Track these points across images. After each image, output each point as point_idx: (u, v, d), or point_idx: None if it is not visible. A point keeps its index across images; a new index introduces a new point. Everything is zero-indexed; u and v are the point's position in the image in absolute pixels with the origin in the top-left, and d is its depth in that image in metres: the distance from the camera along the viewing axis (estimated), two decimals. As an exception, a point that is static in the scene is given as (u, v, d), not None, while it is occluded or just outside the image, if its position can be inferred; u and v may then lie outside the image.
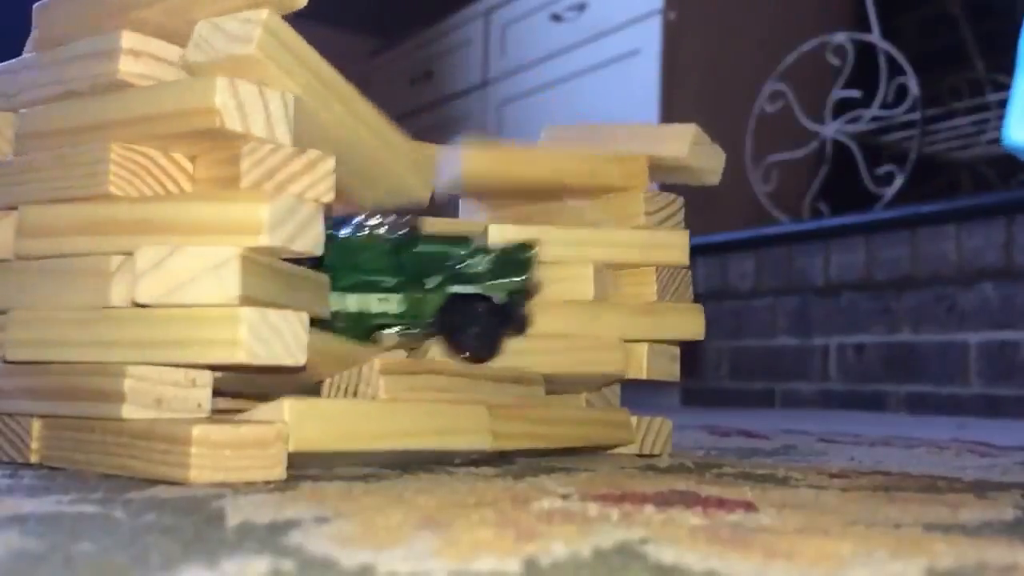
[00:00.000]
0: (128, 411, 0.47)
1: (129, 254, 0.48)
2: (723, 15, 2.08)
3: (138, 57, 0.50)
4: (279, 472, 0.48)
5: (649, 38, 2.00)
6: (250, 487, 0.46)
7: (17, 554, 0.30)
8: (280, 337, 0.47)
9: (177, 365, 0.48)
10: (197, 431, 0.45)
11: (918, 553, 0.32)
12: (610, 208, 0.72)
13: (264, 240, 0.46)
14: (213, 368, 0.49)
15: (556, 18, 2.23)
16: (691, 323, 0.72)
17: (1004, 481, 0.58)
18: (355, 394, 0.55)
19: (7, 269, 0.53)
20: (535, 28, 2.31)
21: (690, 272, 0.74)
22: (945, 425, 1.27)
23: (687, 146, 0.70)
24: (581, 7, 2.17)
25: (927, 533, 0.37)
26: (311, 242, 0.49)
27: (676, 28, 1.99)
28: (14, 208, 0.53)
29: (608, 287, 0.70)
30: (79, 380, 0.49)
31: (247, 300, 0.46)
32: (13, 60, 0.55)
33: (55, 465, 0.53)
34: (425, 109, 2.66)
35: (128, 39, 0.49)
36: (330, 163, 0.50)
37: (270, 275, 0.48)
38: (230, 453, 0.46)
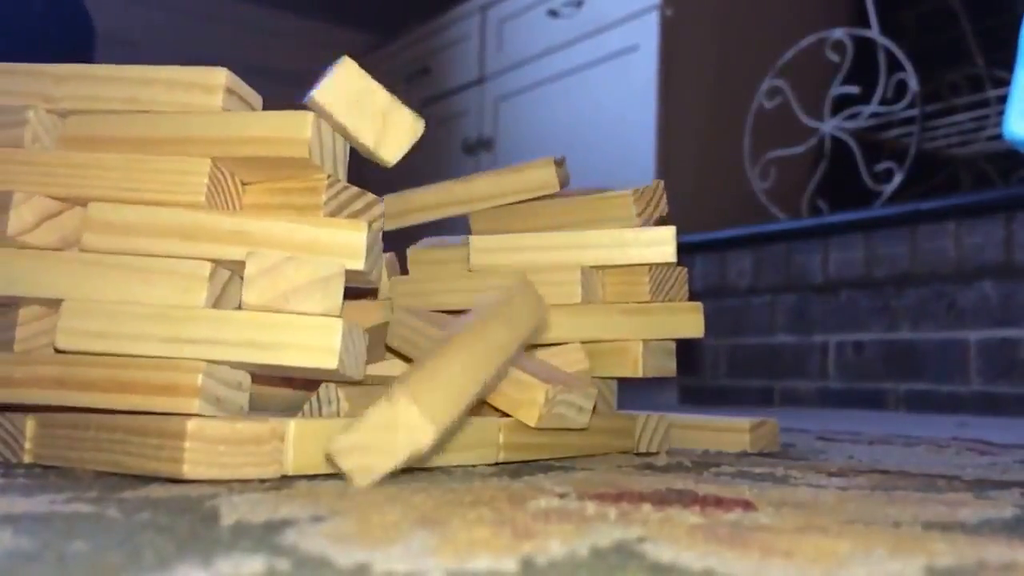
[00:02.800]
0: (200, 406, 0.47)
1: (217, 261, 0.51)
2: (721, 11, 2.08)
3: (231, 95, 0.54)
4: (275, 470, 0.47)
5: (647, 34, 2.00)
6: (245, 485, 0.46)
7: (10, 553, 0.29)
8: (353, 352, 0.50)
9: (256, 366, 0.49)
10: (192, 425, 0.45)
11: (917, 552, 0.32)
12: (597, 208, 0.72)
13: (359, 264, 0.50)
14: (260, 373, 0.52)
15: (553, 14, 2.23)
16: (688, 322, 0.72)
17: (1004, 480, 0.58)
18: (321, 413, 0.55)
19: (58, 259, 0.53)
20: (532, 24, 2.31)
21: (686, 270, 0.74)
22: (945, 423, 1.27)
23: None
24: (578, 3, 2.17)
25: (926, 532, 0.37)
26: (379, 274, 0.54)
27: (674, 24, 1.99)
28: (57, 198, 0.54)
29: (596, 289, 0.70)
30: (140, 374, 0.49)
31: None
32: (57, 65, 0.57)
33: (49, 464, 0.52)
34: (422, 105, 2.65)
35: (228, 78, 0.54)
36: (381, 207, 0.56)
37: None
38: (224, 449, 0.46)
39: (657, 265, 0.71)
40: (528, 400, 0.58)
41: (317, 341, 0.48)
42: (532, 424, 0.58)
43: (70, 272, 0.52)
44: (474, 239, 0.70)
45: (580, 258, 0.69)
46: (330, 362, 0.48)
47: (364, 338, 0.51)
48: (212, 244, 0.51)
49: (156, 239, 0.52)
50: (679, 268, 0.73)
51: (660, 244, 0.70)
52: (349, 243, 0.51)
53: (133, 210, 0.52)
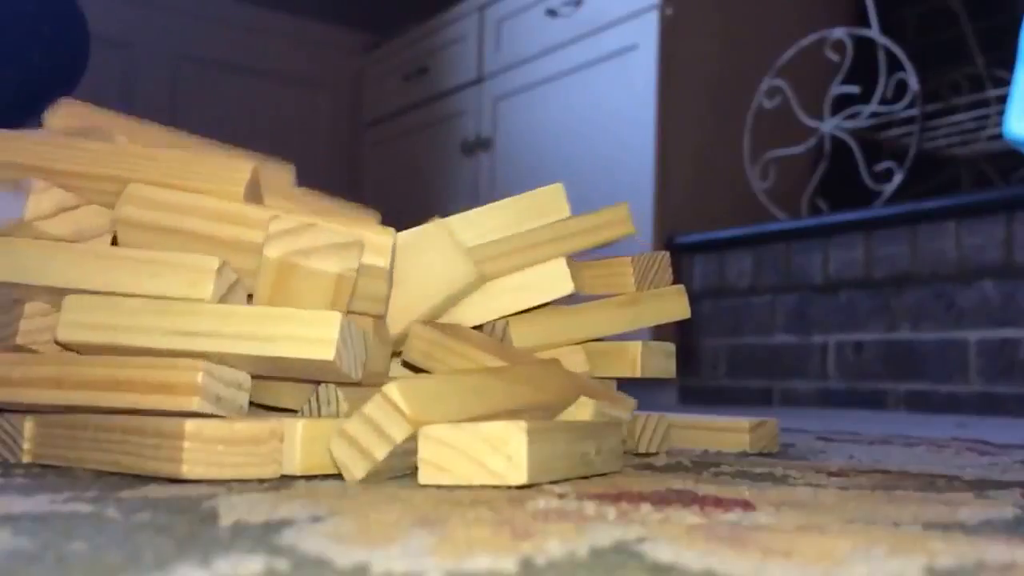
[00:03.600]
0: (199, 404, 0.47)
1: (245, 244, 0.53)
2: (721, 10, 2.08)
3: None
4: (274, 470, 0.47)
5: (646, 33, 2.00)
6: (244, 485, 0.45)
7: (10, 553, 0.29)
8: (352, 349, 0.50)
9: (255, 358, 0.50)
10: (190, 425, 0.45)
11: (917, 551, 0.32)
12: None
13: (385, 262, 0.52)
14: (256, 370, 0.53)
15: (552, 13, 2.22)
16: (675, 305, 0.72)
17: (1003, 480, 0.58)
18: (320, 414, 0.55)
19: (68, 249, 0.54)
20: (531, 23, 2.30)
21: (667, 254, 0.74)
22: (944, 423, 1.27)
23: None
24: (577, 2, 2.16)
25: (926, 531, 0.37)
26: (387, 289, 0.57)
27: (673, 23, 1.99)
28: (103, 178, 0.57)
29: (582, 278, 0.71)
30: (139, 373, 0.49)
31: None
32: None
33: (47, 463, 0.52)
34: (419, 105, 2.65)
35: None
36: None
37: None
38: (223, 449, 0.46)
39: (640, 256, 0.71)
40: (573, 416, 0.57)
41: (314, 333, 0.48)
42: None
43: (80, 263, 0.53)
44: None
45: (557, 250, 0.69)
46: (327, 353, 0.48)
47: (364, 337, 0.51)
48: (244, 228, 0.53)
49: (191, 217, 0.54)
50: (661, 254, 0.73)
51: (619, 222, 0.69)
52: (378, 242, 0.54)
53: (173, 193, 0.55)
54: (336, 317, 0.48)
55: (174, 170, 0.56)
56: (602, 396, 0.59)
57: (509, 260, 0.68)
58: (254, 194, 0.59)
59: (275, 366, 0.51)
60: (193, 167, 0.56)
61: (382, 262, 0.54)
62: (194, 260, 0.51)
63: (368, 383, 0.54)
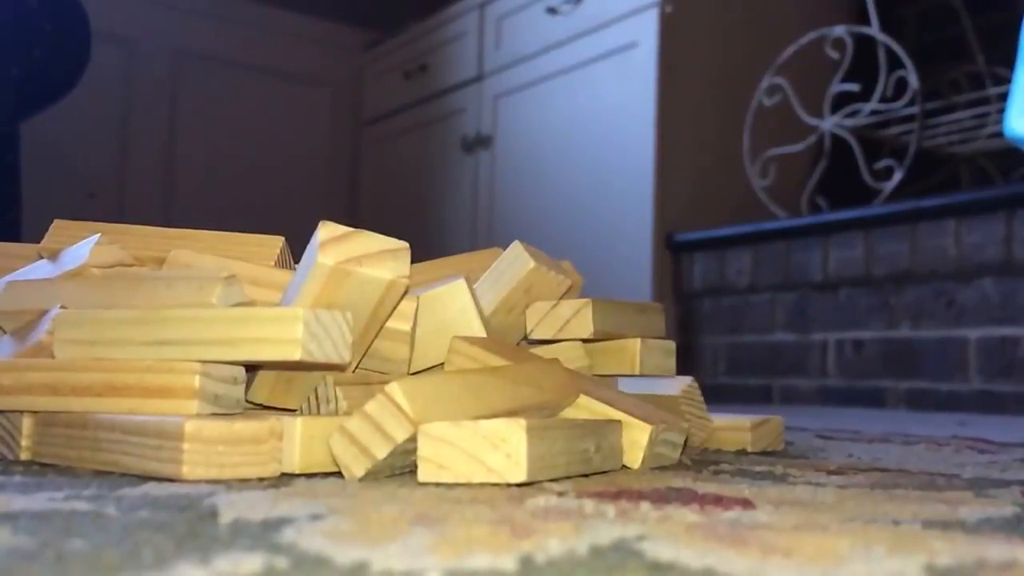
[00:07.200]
0: (199, 407, 0.48)
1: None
2: (721, 7, 2.08)
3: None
4: (274, 468, 0.47)
5: (646, 31, 2.00)
6: (244, 484, 0.45)
7: (9, 552, 0.29)
8: (329, 336, 0.49)
9: (231, 363, 0.50)
10: (190, 426, 0.45)
11: (917, 550, 0.32)
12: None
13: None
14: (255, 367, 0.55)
15: (552, 11, 2.22)
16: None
17: (1003, 478, 0.58)
18: (319, 412, 0.55)
19: (105, 278, 0.58)
20: (531, 21, 2.30)
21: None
22: (944, 421, 1.27)
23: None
24: (577, 0, 2.16)
25: (926, 530, 0.37)
26: (409, 352, 0.60)
27: (673, 21, 1.99)
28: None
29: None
30: (134, 377, 0.49)
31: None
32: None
33: (46, 462, 0.52)
34: (419, 103, 2.65)
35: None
36: None
37: None
38: (223, 449, 0.46)
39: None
40: (630, 442, 0.56)
41: (280, 333, 0.48)
42: (635, 467, 0.56)
43: (107, 287, 0.57)
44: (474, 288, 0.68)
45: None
46: (293, 353, 0.48)
47: (345, 320, 0.50)
48: (278, 291, 0.58)
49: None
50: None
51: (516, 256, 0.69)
52: (403, 307, 0.57)
53: (211, 259, 0.59)
54: (299, 313, 0.48)
55: (212, 248, 0.63)
56: (656, 418, 0.58)
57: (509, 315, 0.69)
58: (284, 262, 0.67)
59: (258, 363, 0.51)
60: (229, 246, 0.63)
61: (405, 326, 0.57)
62: (204, 272, 0.54)
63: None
